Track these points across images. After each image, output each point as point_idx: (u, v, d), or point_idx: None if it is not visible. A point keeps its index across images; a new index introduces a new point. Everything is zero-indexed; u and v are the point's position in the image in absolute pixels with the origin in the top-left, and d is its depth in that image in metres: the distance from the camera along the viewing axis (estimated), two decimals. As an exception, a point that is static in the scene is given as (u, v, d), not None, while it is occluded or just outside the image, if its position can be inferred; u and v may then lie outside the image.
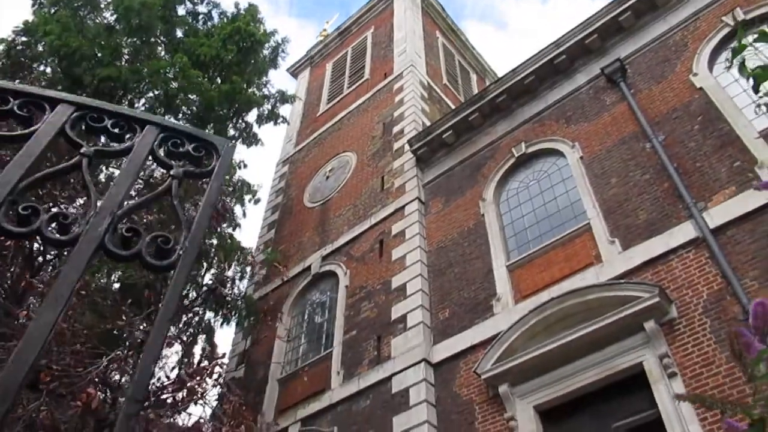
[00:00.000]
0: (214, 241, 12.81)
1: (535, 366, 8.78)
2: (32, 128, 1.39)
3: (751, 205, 8.22)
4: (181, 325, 11.91)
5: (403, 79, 17.61)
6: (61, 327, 6.28)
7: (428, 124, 15.45)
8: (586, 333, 8.43)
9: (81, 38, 12.69)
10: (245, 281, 14.28)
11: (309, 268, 14.41)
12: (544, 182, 11.64)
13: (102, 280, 10.24)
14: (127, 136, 1.52)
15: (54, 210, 1.27)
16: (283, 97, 16.53)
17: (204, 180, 1.56)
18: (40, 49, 13.04)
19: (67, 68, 12.53)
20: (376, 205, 14.26)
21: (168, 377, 8.66)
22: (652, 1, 11.99)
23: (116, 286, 11.26)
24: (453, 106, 17.81)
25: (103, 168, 12.13)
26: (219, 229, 12.79)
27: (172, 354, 9.50)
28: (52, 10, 13.51)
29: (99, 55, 12.95)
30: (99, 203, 1.38)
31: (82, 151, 1.40)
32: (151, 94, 13.96)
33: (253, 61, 15.46)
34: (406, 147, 14.64)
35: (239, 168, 14.97)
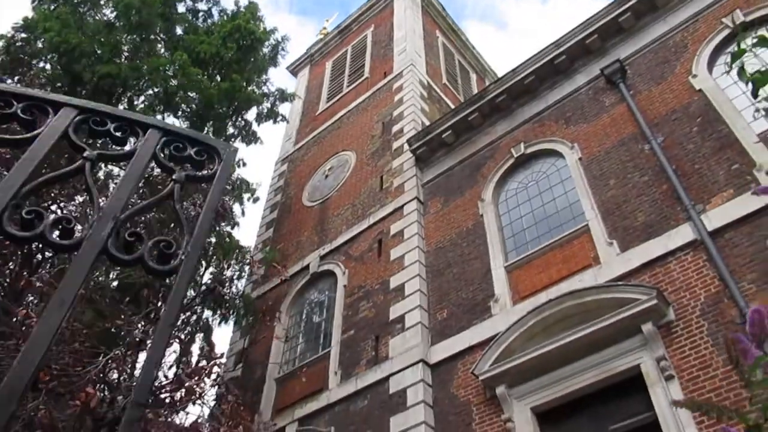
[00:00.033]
0: (213, 240, 12.81)
1: (533, 367, 8.79)
2: (35, 132, 1.39)
3: (749, 207, 8.23)
4: (179, 324, 11.90)
5: (402, 78, 17.61)
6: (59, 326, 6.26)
7: (428, 123, 15.45)
8: (583, 335, 8.44)
9: (81, 35, 12.68)
10: (243, 280, 14.27)
11: (307, 267, 14.41)
12: (543, 183, 11.65)
13: (100, 278, 10.24)
14: (130, 139, 1.52)
15: (57, 214, 1.27)
16: (283, 96, 16.53)
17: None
18: (40, 45, 13.02)
19: (67, 65, 12.52)
20: (374, 205, 14.26)
21: (166, 376, 8.66)
22: (652, 2, 12.00)
23: (114, 284, 11.25)
24: (452, 106, 17.81)
25: (102, 165, 12.12)
26: (218, 228, 12.79)
27: (170, 353, 9.50)
28: (52, 7, 13.50)
29: (99, 52, 12.94)
30: (102, 204, 1.38)
31: (85, 154, 1.40)
32: (150, 92, 13.96)
33: (252, 59, 15.46)
34: (406, 146, 14.64)
35: (238, 166, 14.97)
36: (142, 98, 14.09)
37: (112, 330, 8.88)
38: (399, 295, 11.59)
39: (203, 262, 12.35)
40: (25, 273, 7.30)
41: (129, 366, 7.87)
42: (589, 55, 12.59)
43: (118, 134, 1.51)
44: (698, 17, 11.29)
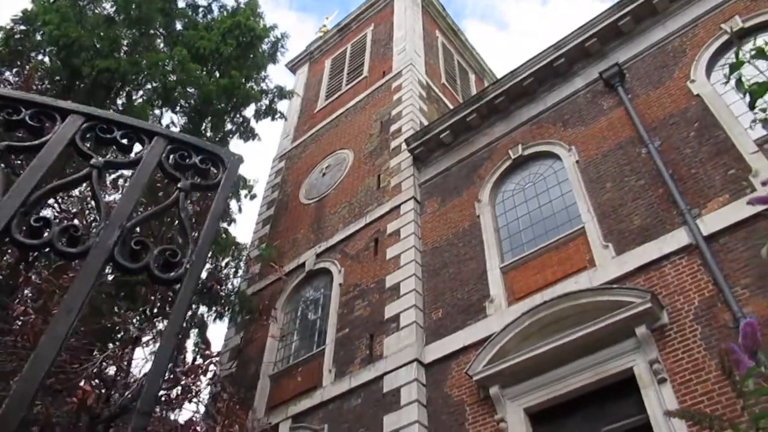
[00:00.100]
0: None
1: (527, 368, 8.83)
2: (43, 139, 1.41)
3: (744, 213, 8.26)
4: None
5: (401, 77, 17.62)
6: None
7: (426, 123, 15.47)
8: (578, 337, 8.48)
9: (80, 29, 12.64)
10: (239, 277, 14.28)
11: (303, 264, 14.42)
12: (540, 185, 11.68)
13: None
14: (136, 146, 1.54)
15: (65, 222, 1.29)
16: (282, 93, 16.54)
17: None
18: (39, 38, 12.98)
19: (66, 59, 12.49)
20: (371, 204, 14.27)
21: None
22: (652, 7, 12.03)
23: (110, 278, 11.25)
24: (451, 106, 17.84)
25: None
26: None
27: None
28: (52, 0, 13.45)
29: (98, 46, 12.90)
30: (102, 203, 1.39)
31: (92, 162, 1.42)
32: (149, 87, 13.93)
33: (252, 56, 15.45)
34: (403, 146, 14.66)
35: (236, 163, 14.94)
36: (140, 93, 14.07)
37: (108, 325, 8.88)
38: (394, 295, 11.62)
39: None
40: (21, 267, 7.31)
41: (125, 363, 7.88)
42: (588, 58, 12.63)
43: (124, 142, 1.53)
44: (697, 23, 11.33)
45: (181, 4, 15.71)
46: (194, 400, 8.44)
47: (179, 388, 8.05)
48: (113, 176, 12.10)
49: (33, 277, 7.64)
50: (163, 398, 8.08)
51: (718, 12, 11.15)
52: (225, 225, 13.76)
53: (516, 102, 13.28)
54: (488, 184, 12.42)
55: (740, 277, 7.91)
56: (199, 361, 8.78)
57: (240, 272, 14.17)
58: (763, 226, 8.04)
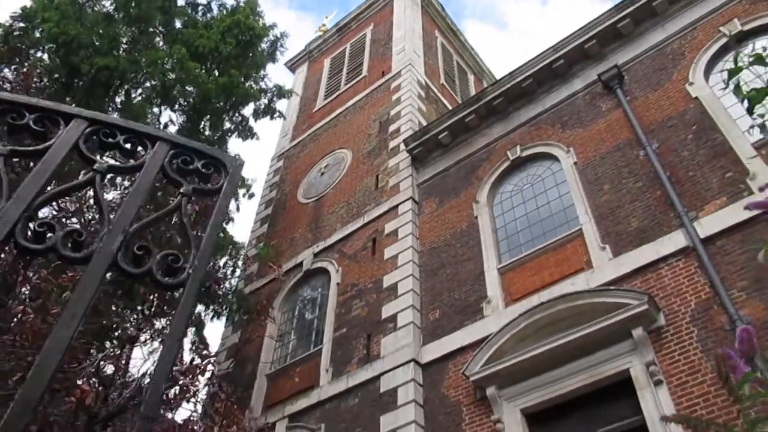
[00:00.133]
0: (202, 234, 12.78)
1: (524, 369, 8.85)
2: (47, 144, 1.42)
3: (741, 216, 8.27)
4: (170, 318, 11.89)
5: (400, 77, 17.63)
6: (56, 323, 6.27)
7: (424, 123, 15.49)
8: (574, 338, 8.51)
9: (79, 26, 12.61)
10: (237, 276, 14.28)
11: (301, 264, 14.43)
12: (538, 186, 11.71)
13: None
14: (139, 150, 1.55)
15: (68, 227, 1.29)
16: (280, 92, 16.52)
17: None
18: (38, 35, 12.95)
19: (65, 56, 12.46)
20: (369, 204, 14.28)
21: (160, 373, 8.62)
22: (651, 9, 12.06)
23: (108, 275, 11.22)
24: (450, 107, 17.86)
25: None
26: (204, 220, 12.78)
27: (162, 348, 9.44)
28: (51, -4, 13.42)
29: (97, 43, 12.87)
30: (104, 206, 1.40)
31: (95, 167, 1.43)
32: (148, 85, 13.92)
33: (251, 55, 15.43)
34: (402, 146, 14.67)
35: (234, 161, 14.94)
36: (139, 91, 14.05)
37: (105, 324, 8.87)
38: (392, 295, 11.63)
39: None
40: (20, 266, 7.30)
41: (123, 362, 7.87)
42: (587, 60, 12.65)
43: (127, 146, 1.54)
44: (696, 25, 11.36)
45: (180, 2, 15.67)
46: (192, 400, 8.44)
47: (177, 387, 8.05)
48: (110, 174, 12.08)
49: (31, 275, 7.63)
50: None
51: (717, 15, 11.18)
52: (223, 224, 13.75)
53: (515, 103, 13.30)
54: (486, 185, 12.44)
55: (737, 280, 7.94)
56: (197, 361, 8.77)
57: (238, 271, 14.16)
58: (760, 229, 8.06)
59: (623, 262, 9.19)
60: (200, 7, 16.18)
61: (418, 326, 10.89)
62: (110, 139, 1.51)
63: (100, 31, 13.10)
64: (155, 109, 14.24)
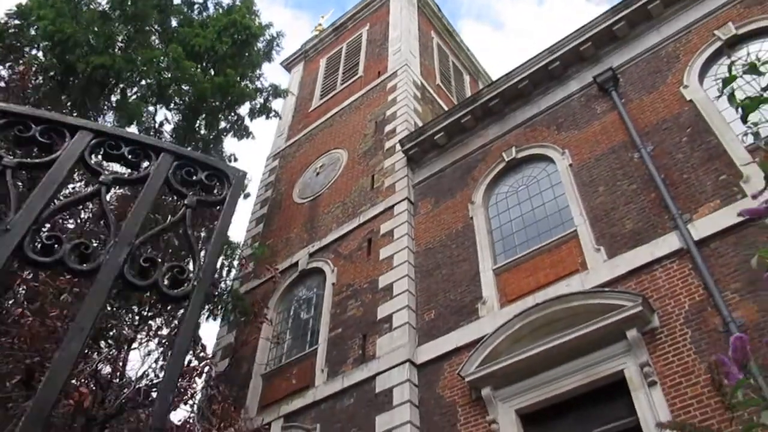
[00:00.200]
0: (203, 234, 12.79)
1: (519, 370, 8.89)
2: (53, 156, 1.43)
3: (735, 218, 8.31)
4: (166, 318, 11.88)
5: (396, 78, 17.64)
6: (54, 325, 6.30)
7: (420, 124, 15.51)
8: (569, 339, 8.55)
9: (75, 24, 12.58)
10: (232, 275, 14.27)
11: (296, 264, 14.43)
12: (533, 188, 11.75)
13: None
14: (144, 162, 1.56)
15: (75, 240, 1.31)
16: (276, 91, 16.52)
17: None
18: (33, 33, 12.92)
19: (60, 54, 12.43)
20: (365, 204, 14.30)
21: (157, 375, 8.65)
22: (646, 12, 12.11)
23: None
24: (446, 107, 17.89)
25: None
26: (207, 223, 12.77)
27: (160, 349, 9.46)
28: (47, -6, 13.38)
29: (93, 42, 12.85)
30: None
31: (101, 179, 1.44)
32: (143, 83, 13.90)
33: (247, 54, 15.43)
34: (398, 146, 14.69)
35: (230, 161, 14.95)
36: (135, 90, 14.03)
37: (102, 325, 8.86)
38: (387, 295, 11.65)
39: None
40: (16, 267, 7.28)
41: (120, 364, 7.86)
42: (582, 62, 12.70)
43: (131, 158, 1.55)
44: (691, 29, 11.42)
45: (176, 0, 15.66)
46: (189, 401, 8.43)
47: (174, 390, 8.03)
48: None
49: (27, 274, 7.61)
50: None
51: (711, 18, 11.23)
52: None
53: (510, 104, 13.34)
54: (482, 186, 12.47)
55: (730, 282, 8.00)
56: (194, 363, 8.77)
57: (233, 271, 14.15)
58: (753, 232, 8.12)
59: (618, 263, 9.24)
60: (196, 6, 16.16)
61: (413, 327, 10.92)
62: (115, 151, 1.53)
63: (96, 30, 13.08)
64: (151, 108, 14.24)
